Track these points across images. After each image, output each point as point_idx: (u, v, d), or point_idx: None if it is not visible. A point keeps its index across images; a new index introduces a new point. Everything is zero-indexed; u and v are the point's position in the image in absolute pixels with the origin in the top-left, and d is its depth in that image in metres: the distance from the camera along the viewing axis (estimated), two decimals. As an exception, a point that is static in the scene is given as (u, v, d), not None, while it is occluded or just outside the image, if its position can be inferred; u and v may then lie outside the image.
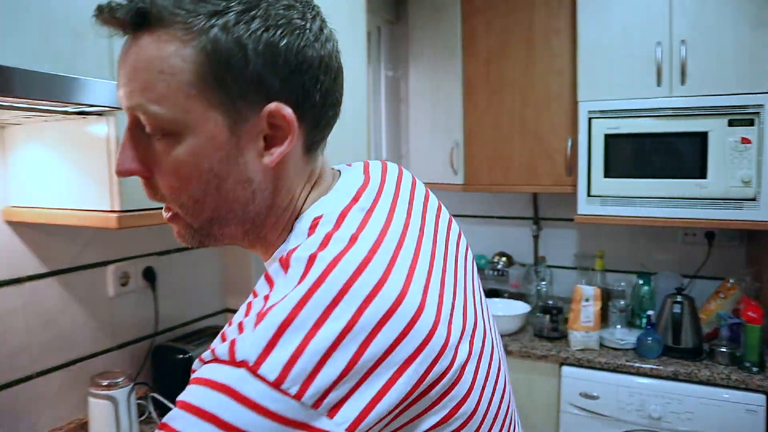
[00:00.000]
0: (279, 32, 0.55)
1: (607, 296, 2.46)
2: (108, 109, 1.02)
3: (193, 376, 0.52)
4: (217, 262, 1.89)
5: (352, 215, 0.59)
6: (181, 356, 1.55)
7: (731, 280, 2.33)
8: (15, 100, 0.86)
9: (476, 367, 0.60)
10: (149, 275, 1.63)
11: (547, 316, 2.37)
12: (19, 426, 1.32)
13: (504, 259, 2.87)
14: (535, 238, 2.87)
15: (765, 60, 2.06)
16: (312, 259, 0.52)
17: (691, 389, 2.05)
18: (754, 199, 2.11)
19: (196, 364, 0.53)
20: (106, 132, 1.08)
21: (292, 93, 0.57)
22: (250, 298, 0.57)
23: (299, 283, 0.51)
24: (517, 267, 2.83)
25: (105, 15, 0.55)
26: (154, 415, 1.54)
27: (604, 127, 2.30)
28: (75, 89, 0.90)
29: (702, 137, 2.16)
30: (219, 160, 0.57)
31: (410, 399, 0.52)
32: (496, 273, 2.80)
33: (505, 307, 2.56)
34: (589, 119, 2.32)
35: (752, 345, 2.04)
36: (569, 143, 2.44)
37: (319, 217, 0.59)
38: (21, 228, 1.32)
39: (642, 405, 2.11)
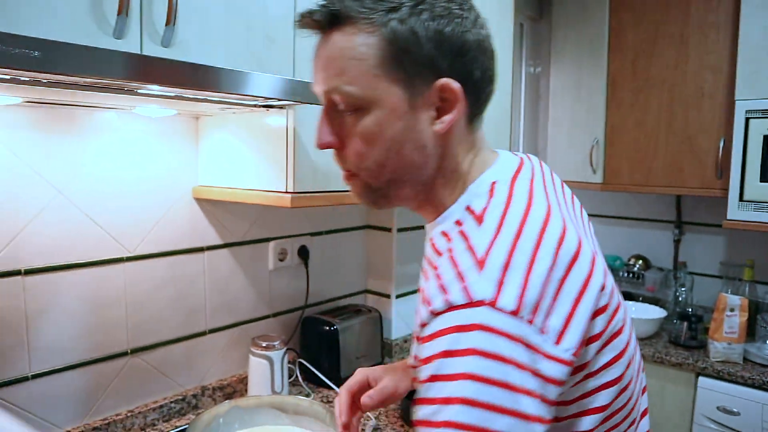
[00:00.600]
0: (444, 21, 0.66)
1: (755, 308, 2.31)
2: (289, 103, 1.16)
3: (430, 331, 0.59)
4: (362, 246, 2.03)
5: (520, 182, 0.71)
6: (327, 328, 1.70)
7: None
8: (222, 95, 1.02)
9: (629, 328, 0.70)
10: (303, 253, 1.79)
11: (685, 323, 2.27)
12: (194, 374, 1.54)
13: (640, 262, 2.77)
14: (676, 242, 2.74)
15: None
16: (504, 213, 0.64)
17: None
18: None
19: (427, 318, 0.61)
20: (285, 122, 1.23)
21: (457, 71, 0.68)
22: (435, 257, 0.70)
23: (498, 233, 0.62)
24: (654, 271, 2.72)
25: (306, 19, 0.68)
26: (300, 378, 1.71)
27: (763, 128, 2.15)
28: (263, 84, 1.04)
29: None
30: (399, 129, 0.68)
31: (597, 333, 0.63)
32: (631, 276, 2.71)
33: (639, 311, 2.48)
34: (747, 119, 2.18)
35: None
36: (721, 144, 2.31)
37: (495, 182, 0.70)
38: (205, 204, 1.52)
39: (791, 426, 1.97)
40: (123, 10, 0.93)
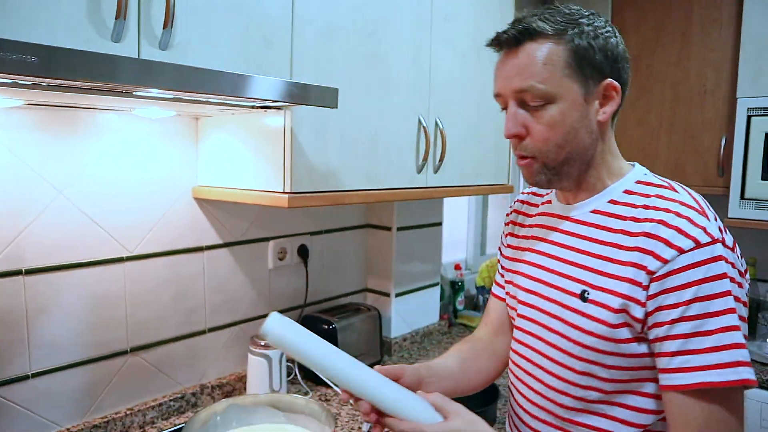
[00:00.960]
0: (606, 36, 0.90)
1: (756, 307, 2.31)
2: (286, 104, 1.17)
3: (681, 264, 0.81)
4: (362, 244, 2.03)
5: (654, 177, 0.97)
6: (326, 326, 1.71)
7: None
8: (220, 97, 1.02)
9: None
10: (303, 252, 1.80)
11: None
12: (193, 372, 1.55)
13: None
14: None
15: None
16: (680, 186, 0.91)
17: None
18: None
19: (670, 256, 0.82)
20: (283, 123, 1.24)
21: (615, 73, 0.90)
22: (632, 211, 0.90)
23: (693, 197, 0.88)
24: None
25: (503, 38, 0.91)
26: (299, 376, 1.72)
27: (765, 126, 2.14)
28: (261, 87, 1.04)
29: None
30: (577, 117, 0.89)
31: None
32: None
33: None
34: (748, 117, 2.17)
35: None
36: (723, 142, 2.30)
37: (643, 173, 0.97)
38: (204, 204, 1.53)
39: (791, 425, 1.97)
40: (121, 14, 0.93)
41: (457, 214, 2.68)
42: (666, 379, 0.83)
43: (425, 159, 1.57)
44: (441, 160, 1.62)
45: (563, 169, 0.92)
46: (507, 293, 1.11)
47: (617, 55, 0.90)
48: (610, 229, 0.91)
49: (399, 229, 1.98)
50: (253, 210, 1.65)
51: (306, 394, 1.66)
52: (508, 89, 0.91)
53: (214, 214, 1.56)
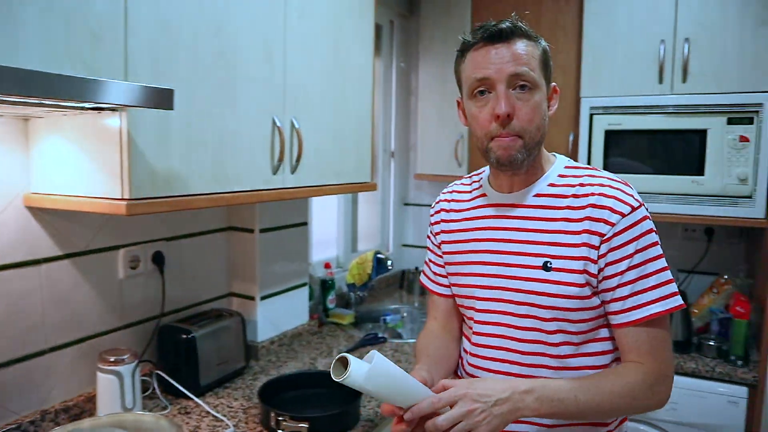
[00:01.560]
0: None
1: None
2: (121, 105, 1.09)
3: (630, 221, 1.03)
4: (224, 248, 1.96)
5: (575, 162, 1.18)
6: (185, 336, 1.63)
7: (725, 276, 2.37)
8: (36, 99, 0.93)
9: None
10: (158, 259, 1.71)
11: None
12: (32, 397, 1.42)
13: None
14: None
15: (766, 59, 2.08)
16: (596, 168, 1.14)
17: (676, 381, 2.10)
18: (750, 197, 2.14)
19: (616, 218, 1.03)
20: (119, 125, 1.15)
21: (552, 78, 1.12)
22: (569, 189, 1.09)
23: (610, 174, 1.10)
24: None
25: (496, 28, 1.06)
26: (157, 390, 1.63)
27: (605, 123, 2.34)
28: (92, 90, 0.96)
29: (701, 135, 2.20)
30: (545, 108, 1.08)
31: None
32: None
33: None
34: (591, 115, 2.36)
35: (739, 339, 2.09)
36: (571, 138, 2.48)
37: (567, 159, 1.17)
38: (40, 213, 1.40)
39: (632, 395, 2.17)
40: None
41: (326, 212, 2.67)
42: (621, 318, 1.04)
43: (281, 160, 1.54)
44: (298, 160, 1.60)
45: (534, 151, 1.08)
46: (454, 285, 1.22)
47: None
48: (557, 207, 1.09)
49: (262, 230, 1.94)
50: (99, 218, 1.54)
51: (165, 408, 1.58)
52: (502, 73, 1.04)
53: (52, 223, 1.43)
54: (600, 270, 1.04)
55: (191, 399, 1.61)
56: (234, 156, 1.41)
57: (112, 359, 1.44)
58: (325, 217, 2.65)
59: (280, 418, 1.43)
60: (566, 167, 1.13)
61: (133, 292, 1.66)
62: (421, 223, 3.23)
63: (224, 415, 1.54)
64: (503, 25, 1.05)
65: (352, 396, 1.52)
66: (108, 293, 1.59)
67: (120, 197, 1.18)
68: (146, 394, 1.62)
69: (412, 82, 3.14)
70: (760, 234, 2.30)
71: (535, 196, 1.11)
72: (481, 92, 1.06)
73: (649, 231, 1.04)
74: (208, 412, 1.56)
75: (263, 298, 1.97)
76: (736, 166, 2.16)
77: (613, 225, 1.03)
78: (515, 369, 1.10)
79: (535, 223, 1.10)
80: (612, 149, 2.34)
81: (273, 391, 1.61)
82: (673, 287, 1.04)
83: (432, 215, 1.29)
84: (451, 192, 1.28)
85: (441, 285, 1.28)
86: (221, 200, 1.37)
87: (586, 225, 1.04)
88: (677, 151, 2.25)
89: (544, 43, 1.10)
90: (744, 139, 2.14)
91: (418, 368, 1.09)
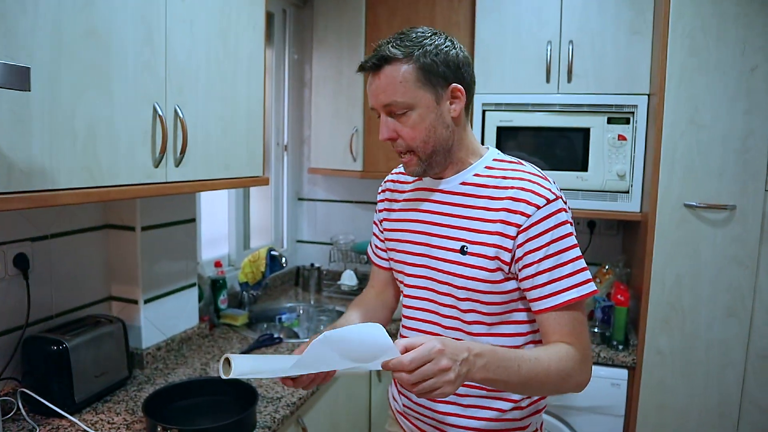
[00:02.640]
0: (446, 50, 1.12)
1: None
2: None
3: (543, 213, 1.10)
4: (101, 248, 1.79)
5: (505, 155, 1.24)
6: (55, 347, 1.46)
7: (606, 266, 2.52)
8: None
9: None
10: (20, 262, 1.51)
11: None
12: None
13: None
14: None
15: (639, 64, 2.23)
16: (525, 162, 1.21)
17: (568, 368, 2.21)
18: (627, 192, 2.29)
19: (531, 210, 1.10)
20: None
21: (458, 78, 1.13)
22: (492, 181, 1.17)
23: (535, 168, 1.18)
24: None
25: (366, 65, 1.13)
26: (23, 411, 1.45)
27: (497, 120, 2.39)
28: None
29: (585, 133, 2.31)
30: (433, 118, 1.12)
31: None
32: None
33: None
34: (483, 111, 2.41)
35: (619, 325, 2.22)
36: (464, 134, 2.52)
37: (497, 153, 1.24)
38: None
39: (524, 383, 2.24)
40: None
41: (216, 207, 2.53)
42: (541, 304, 1.10)
43: (163, 152, 1.41)
44: (183, 152, 1.48)
45: (433, 159, 1.16)
46: (391, 259, 1.33)
47: (458, 62, 1.13)
48: (478, 196, 1.17)
49: (144, 228, 1.79)
50: (-57, 216, 1.34)
51: (32, 430, 1.40)
52: (378, 104, 1.14)
53: None
54: (518, 259, 1.11)
55: (65, 417, 1.45)
56: (109, 147, 1.27)
57: (-37, 378, 1.26)
58: (214, 213, 2.52)
59: (166, 432, 1.32)
60: (494, 159, 1.21)
61: (-10, 300, 1.46)
62: (316, 218, 3.17)
63: (102, 433, 1.40)
64: (372, 60, 1.11)
65: (247, 403, 1.43)
66: (-42, 303, 1.39)
67: (-31, 191, 1.01)
68: (8, 416, 1.44)
69: (306, 74, 3.05)
70: (633, 226, 2.46)
71: (461, 184, 1.20)
72: (379, 116, 1.17)
73: (564, 222, 1.11)
74: (85, 431, 1.41)
75: (147, 301, 1.82)
76: (615, 163, 2.29)
77: (528, 216, 1.09)
78: None
79: (457, 209, 1.19)
80: (504, 144, 2.40)
81: (160, 402, 1.48)
82: (587, 275, 1.10)
83: (379, 193, 1.41)
84: (398, 174, 1.37)
85: (380, 258, 1.42)
86: (94, 196, 1.23)
87: (503, 215, 1.12)
88: (563, 148, 2.36)
89: (425, 54, 1.10)
90: (622, 137, 2.27)
91: (347, 314, 1.34)
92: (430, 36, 1.12)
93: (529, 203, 1.10)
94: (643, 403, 2.14)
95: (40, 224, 1.58)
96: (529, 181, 1.13)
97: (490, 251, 1.12)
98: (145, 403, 1.44)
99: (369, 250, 1.48)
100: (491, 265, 1.12)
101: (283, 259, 2.42)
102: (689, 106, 1.97)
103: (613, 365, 2.17)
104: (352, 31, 2.67)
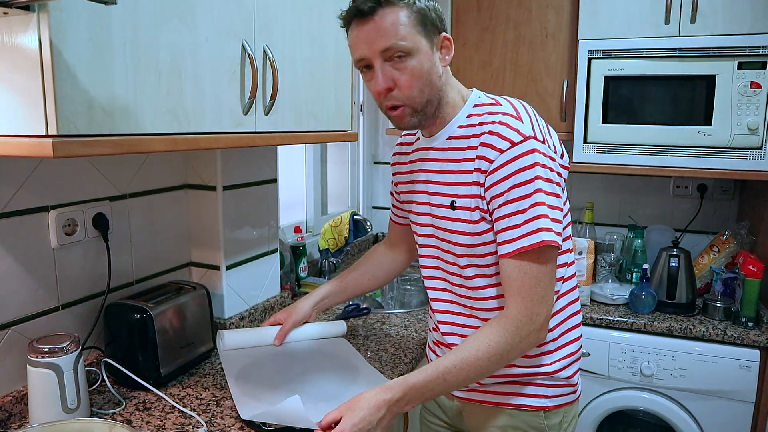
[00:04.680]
0: (434, 3, 1.11)
1: (595, 249, 2.33)
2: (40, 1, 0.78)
3: (506, 158, 1.07)
4: (181, 210, 1.65)
5: (486, 97, 1.20)
6: (137, 315, 1.34)
7: (726, 233, 2.23)
8: None
9: None
10: (100, 223, 1.39)
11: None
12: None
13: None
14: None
15: (782, -4, 1.90)
16: (504, 99, 1.17)
17: (686, 345, 1.96)
18: (760, 148, 1.98)
19: (495, 155, 1.08)
20: (37, 32, 0.83)
21: (444, 27, 1.14)
22: (473, 129, 1.14)
23: (513, 106, 1.14)
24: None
25: (355, 8, 1.08)
26: (107, 382, 1.34)
27: (604, 69, 2.12)
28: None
29: (709, 81, 2.01)
30: (429, 66, 1.10)
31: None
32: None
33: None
34: (589, 59, 2.14)
35: (750, 300, 1.95)
36: (565, 85, 2.26)
37: (478, 97, 1.20)
38: (-66, 162, 1.07)
39: (634, 362, 2.01)
40: None
41: (290, 169, 2.37)
42: (499, 251, 1.10)
43: (253, 96, 1.24)
44: (273, 98, 1.31)
45: (426, 110, 1.13)
46: (408, 219, 1.36)
47: (441, 12, 1.13)
48: (461, 148, 1.15)
49: (226, 188, 1.63)
50: (18, 168, 1.21)
51: (118, 404, 1.29)
52: (373, 50, 1.08)
53: (-46, 177, 1.10)
54: (488, 204, 1.10)
55: (151, 391, 1.32)
56: (195, 86, 1.10)
57: (46, 349, 1.14)
58: (289, 175, 2.35)
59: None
60: (475, 105, 1.17)
61: (70, 263, 1.34)
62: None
63: (193, 410, 1.27)
64: (369, 2, 1.05)
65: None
66: (38, 266, 1.27)
67: (44, 133, 0.86)
68: (94, 387, 1.33)
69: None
70: (759, 188, 2.16)
71: (447, 139, 1.19)
72: (366, 67, 1.12)
73: (532, 165, 1.05)
74: (173, 407, 1.28)
75: (229, 267, 1.68)
76: (746, 115, 1.98)
77: (492, 162, 1.08)
78: (447, 296, 1.26)
79: (445, 165, 1.19)
80: (612, 97, 2.13)
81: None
82: (542, 223, 1.04)
83: (392, 156, 1.42)
84: (404, 136, 1.39)
85: (395, 215, 1.50)
86: (182, 143, 1.07)
87: (477, 164, 1.11)
88: (683, 100, 2.06)
89: (419, 2, 1.08)
90: (756, 85, 1.96)
91: (338, 277, 1.54)
92: None
93: (493, 147, 1.08)
94: (779, 389, 1.87)
95: (118, 181, 1.45)
96: (499, 123, 1.09)
97: (472, 203, 1.13)
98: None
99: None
100: (475, 216, 1.13)
101: (368, 224, 2.24)
102: None
103: (743, 345, 1.91)
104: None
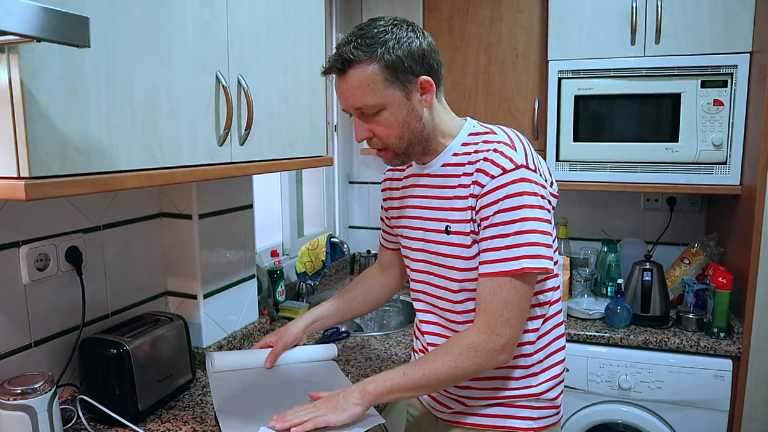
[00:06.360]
0: (409, 43, 1.10)
1: (570, 264, 2.37)
2: (12, 39, 0.77)
3: (497, 183, 1.09)
4: (156, 240, 1.64)
5: (481, 126, 1.22)
6: (114, 351, 1.31)
7: (696, 245, 2.28)
8: None
9: None
10: (74, 257, 1.37)
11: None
12: None
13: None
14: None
15: (740, 18, 1.97)
16: (501, 128, 1.20)
17: (661, 357, 2.00)
18: (724, 163, 2.04)
19: (487, 180, 1.10)
20: (7, 74, 0.82)
21: (426, 68, 1.12)
22: (467, 158, 1.16)
23: (507, 135, 1.16)
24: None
25: (330, 69, 1.12)
26: (83, 420, 1.31)
27: (574, 88, 2.17)
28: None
29: (674, 99, 2.07)
30: (405, 113, 1.13)
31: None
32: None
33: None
34: (559, 79, 2.18)
35: (721, 311, 1.99)
36: (536, 104, 2.30)
37: (476, 124, 1.23)
38: None
39: (612, 376, 2.04)
40: None
41: (266, 191, 2.36)
42: (479, 270, 1.12)
43: (228, 127, 1.24)
44: (248, 128, 1.31)
45: (409, 151, 1.18)
46: (399, 244, 1.38)
47: (422, 52, 1.11)
48: (455, 175, 1.18)
49: (201, 216, 1.62)
50: (-12, 206, 1.19)
51: (92, 441, 1.26)
52: (348, 107, 1.14)
53: None
54: (478, 227, 1.13)
55: (129, 427, 1.30)
56: (170, 121, 1.10)
57: (18, 390, 1.11)
58: (265, 198, 2.34)
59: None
60: (470, 134, 1.20)
61: (42, 299, 1.32)
62: (369, 203, 2.98)
63: (171, 446, 1.25)
64: (336, 64, 1.10)
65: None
66: (8, 303, 1.24)
67: (16, 176, 0.85)
68: (69, 426, 1.30)
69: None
70: (725, 201, 2.22)
71: (442, 165, 1.21)
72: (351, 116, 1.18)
73: (519, 193, 1.07)
74: (149, 444, 1.26)
75: (206, 296, 1.67)
76: (710, 132, 2.05)
77: (483, 186, 1.10)
78: (434, 318, 1.29)
79: (440, 191, 1.21)
80: (582, 116, 2.18)
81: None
82: (528, 249, 1.07)
83: (382, 182, 1.44)
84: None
85: (386, 239, 1.51)
86: (157, 178, 1.06)
87: (471, 189, 1.13)
88: (650, 117, 2.12)
89: (389, 51, 1.08)
90: (718, 102, 2.03)
91: (330, 300, 1.54)
92: (391, 29, 1.10)
93: (486, 173, 1.10)
94: (751, 397, 1.92)
95: (92, 213, 1.43)
96: (493, 150, 1.11)
97: (466, 227, 1.15)
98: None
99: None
100: (468, 240, 1.15)
101: (345, 246, 2.25)
102: (809, 61, 1.72)
103: (716, 355, 1.95)
104: (406, 6, 2.46)
